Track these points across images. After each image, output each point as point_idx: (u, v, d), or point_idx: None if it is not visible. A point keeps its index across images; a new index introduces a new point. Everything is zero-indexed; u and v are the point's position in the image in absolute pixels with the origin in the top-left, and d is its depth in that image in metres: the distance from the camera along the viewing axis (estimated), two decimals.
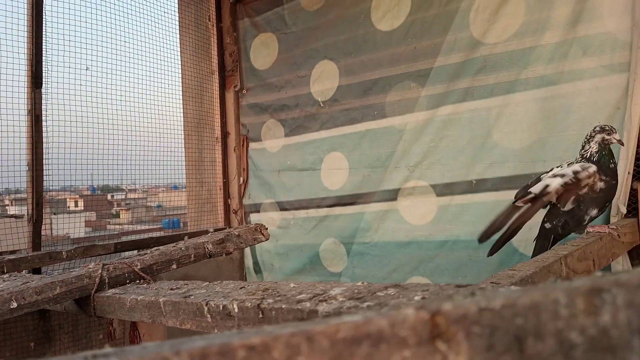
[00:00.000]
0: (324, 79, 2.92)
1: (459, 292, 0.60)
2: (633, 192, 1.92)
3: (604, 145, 1.57)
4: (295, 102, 3.08)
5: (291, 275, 3.17)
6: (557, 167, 1.67)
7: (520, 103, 2.18)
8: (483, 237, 1.66)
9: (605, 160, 1.56)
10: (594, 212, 1.59)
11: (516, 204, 1.59)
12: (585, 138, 1.60)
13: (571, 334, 0.27)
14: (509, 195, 2.23)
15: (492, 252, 1.67)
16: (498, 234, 1.64)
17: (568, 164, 1.62)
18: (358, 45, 2.72)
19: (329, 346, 0.28)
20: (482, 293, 0.58)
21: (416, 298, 0.62)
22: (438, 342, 0.27)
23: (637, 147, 1.88)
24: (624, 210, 1.90)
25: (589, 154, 1.57)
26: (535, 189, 1.56)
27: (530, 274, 0.99)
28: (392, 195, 2.64)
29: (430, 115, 2.47)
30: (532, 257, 1.76)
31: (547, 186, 1.55)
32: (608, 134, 1.54)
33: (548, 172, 1.66)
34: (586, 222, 1.60)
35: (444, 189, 2.45)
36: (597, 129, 1.57)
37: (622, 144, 1.62)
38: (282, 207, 3.19)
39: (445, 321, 0.27)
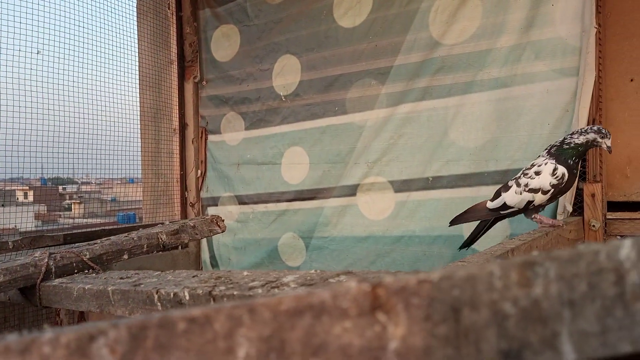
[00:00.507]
0: (286, 73, 2.91)
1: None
2: (579, 191, 2.01)
3: (590, 144, 1.59)
4: (256, 96, 3.06)
5: (249, 270, 3.14)
6: (529, 169, 1.68)
7: (475, 104, 2.24)
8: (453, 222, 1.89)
9: (568, 155, 1.60)
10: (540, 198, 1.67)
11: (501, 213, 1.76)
12: (580, 130, 1.60)
13: (505, 305, 0.28)
14: (463, 192, 2.30)
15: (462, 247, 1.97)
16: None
17: (538, 166, 1.65)
18: (320, 41, 2.72)
19: (271, 317, 0.28)
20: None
21: None
22: (378, 313, 0.28)
23: None
24: (569, 208, 1.99)
25: (569, 142, 1.60)
26: (518, 203, 1.67)
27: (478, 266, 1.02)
28: (352, 190, 2.66)
29: (390, 112, 2.50)
30: (471, 233, 1.87)
31: (530, 202, 1.65)
32: (602, 137, 1.56)
33: (518, 175, 1.71)
34: (532, 207, 1.69)
35: (401, 186, 2.49)
36: (595, 128, 1.58)
37: (610, 152, 1.64)
38: (241, 200, 3.16)
39: (385, 293, 0.28)
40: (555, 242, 1.59)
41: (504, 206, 1.71)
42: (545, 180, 1.60)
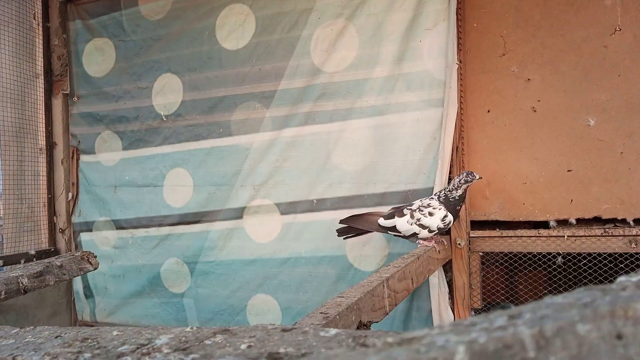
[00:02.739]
0: (167, 93, 2.81)
1: (283, 339, 0.63)
2: None
3: (466, 188, 1.92)
4: (135, 114, 2.91)
5: (128, 299, 2.96)
6: (425, 207, 1.92)
7: (355, 129, 2.35)
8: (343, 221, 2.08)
9: (453, 203, 1.91)
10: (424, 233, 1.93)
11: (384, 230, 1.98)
12: (454, 186, 1.90)
13: None
14: (346, 214, 2.39)
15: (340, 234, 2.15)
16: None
17: (433, 208, 1.91)
18: (203, 61, 2.67)
19: None
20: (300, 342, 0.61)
21: (242, 347, 0.63)
22: None
23: (449, 173, 2.15)
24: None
25: (452, 197, 1.90)
26: (406, 231, 1.91)
27: (355, 300, 1.07)
28: (238, 213, 2.64)
29: (275, 136, 2.53)
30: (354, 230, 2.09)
31: (415, 234, 1.91)
32: (471, 179, 1.89)
33: (414, 207, 1.94)
34: (415, 237, 1.95)
35: (287, 208, 2.52)
36: (462, 181, 1.89)
37: (481, 178, 1.95)
38: (119, 225, 2.97)
39: None
40: (426, 264, 1.72)
41: (393, 228, 1.95)
42: (435, 222, 1.89)
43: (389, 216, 1.96)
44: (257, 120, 2.57)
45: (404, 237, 1.94)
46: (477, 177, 1.90)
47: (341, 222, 2.07)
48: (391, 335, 0.60)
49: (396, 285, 1.35)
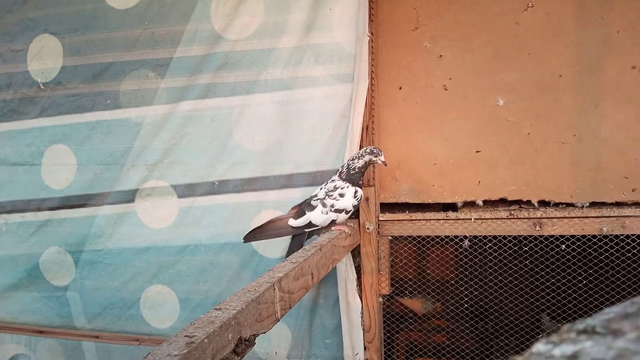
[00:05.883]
0: (45, 57, 2.42)
1: None
2: None
3: (368, 165, 1.79)
4: (7, 81, 2.50)
5: (3, 293, 2.60)
6: (333, 191, 1.77)
7: (260, 104, 2.14)
8: (248, 238, 1.81)
9: (356, 177, 1.78)
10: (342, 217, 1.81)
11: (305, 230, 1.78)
12: (357, 154, 1.78)
13: None
14: (249, 197, 2.20)
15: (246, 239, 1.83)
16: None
17: (341, 189, 1.77)
18: (86, 22, 2.32)
19: None
20: None
21: None
22: None
23: None
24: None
25: (353, 167, 1.77)
26: (323, 222, 1.75)
27: (234, 314, 0.89)
28: (129, 196, 2.35)
29: (171, 109, 2.25)
30: (287, 253, 1.79)
31: (333, 221, 1.77)
32: (375, 155, 1.76)
33: (320, 196, 1.78)
34: (333, 224, 1.81)
35: (185, 190, 2.28)
36: (367, 150, 1.76)
37: (386, 165, 1.82)
38: None
39: None
40: (330, 255, 1.58)
41: (309, 224, 1.77)
42: (348, 202, 1.75)
43: (299, 214, 1.77)
44: (150, 92, 2.27)
45: (324, 229, 1.79)
46: (382, 158, 1.78)
47: (246, 240, 1.81)
48: None
49: (291, 285, 1.19)
